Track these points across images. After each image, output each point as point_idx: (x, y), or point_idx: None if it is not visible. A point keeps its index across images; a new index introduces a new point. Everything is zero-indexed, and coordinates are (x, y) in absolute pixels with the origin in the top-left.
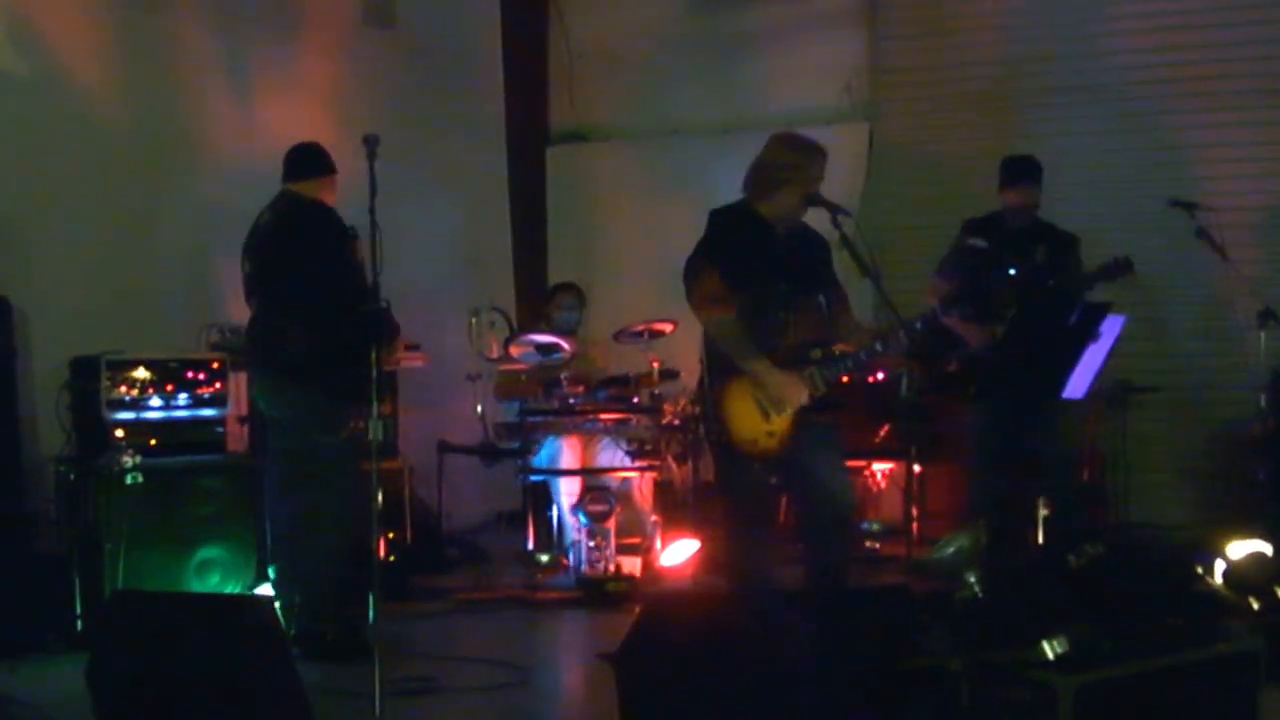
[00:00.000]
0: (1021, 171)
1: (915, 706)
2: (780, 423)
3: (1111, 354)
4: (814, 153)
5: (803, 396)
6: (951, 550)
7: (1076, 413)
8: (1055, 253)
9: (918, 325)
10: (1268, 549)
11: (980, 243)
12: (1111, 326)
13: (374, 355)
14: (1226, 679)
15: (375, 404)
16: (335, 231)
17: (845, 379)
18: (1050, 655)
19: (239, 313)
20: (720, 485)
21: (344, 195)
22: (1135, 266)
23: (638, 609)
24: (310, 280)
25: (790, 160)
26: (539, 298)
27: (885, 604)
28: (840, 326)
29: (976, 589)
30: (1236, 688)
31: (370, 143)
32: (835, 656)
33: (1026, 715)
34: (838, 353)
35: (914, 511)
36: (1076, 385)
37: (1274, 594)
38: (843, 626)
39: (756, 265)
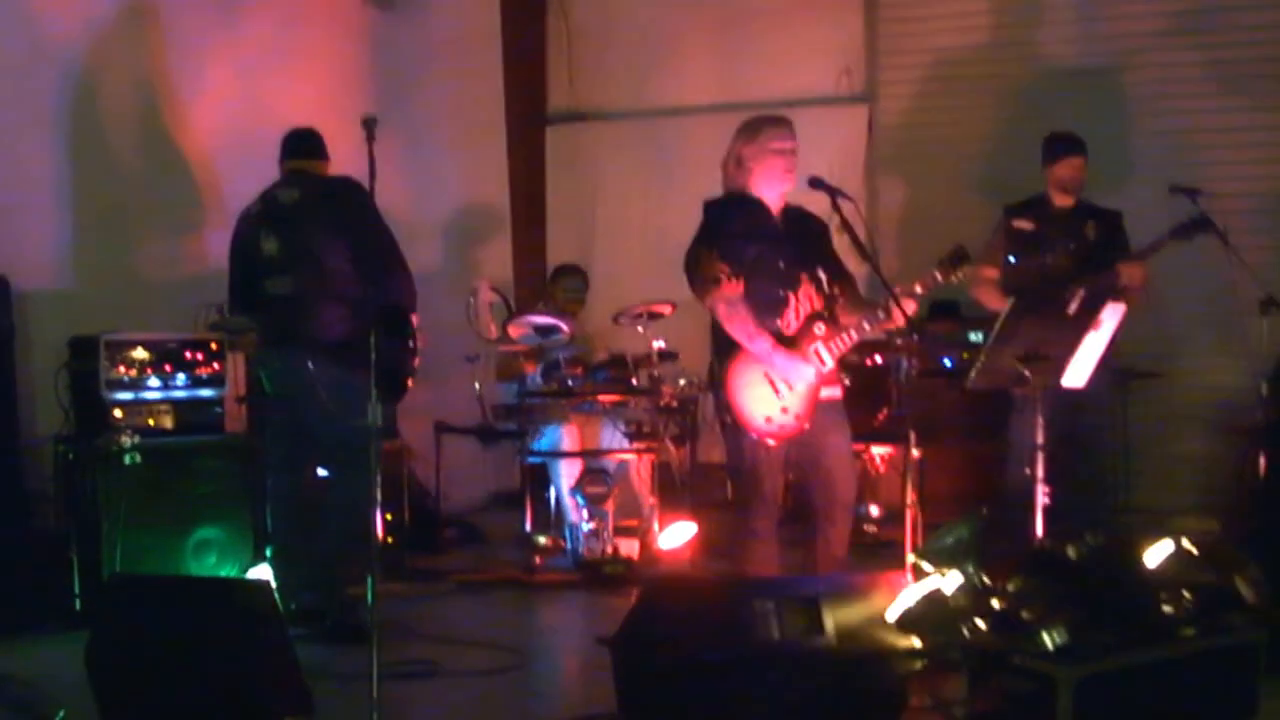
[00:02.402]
0: (1068, 145)
1: (915, 695)
2: (792, 399)
3: (1112, 340)
4: (763, 122)
5: (811, 372)
6: (950, 540)
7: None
8: (1104, 230)
9: (917, 290)
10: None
11: (1027, 224)
12: (1111, 315)
13: (375, 341)
14: (1226, 670)
15: (374, 389)
16: (373, 203)
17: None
18: (1050, 646)
19: None
20: (731, 465)
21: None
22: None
23: (636, 593)
24: (357, 256)
25: (742, 138)
26: (538, 278)
27: (880, 590)
28: (845, 301)
29: (975, 579)
30: (1236, 679)
31: (369, 125)
32: (834, 644)
33: (1025, 706)
34: (841, 325)
35: (913, 496)
36: (1076, 374)
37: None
38: (839, 612)
39: (754, 246)
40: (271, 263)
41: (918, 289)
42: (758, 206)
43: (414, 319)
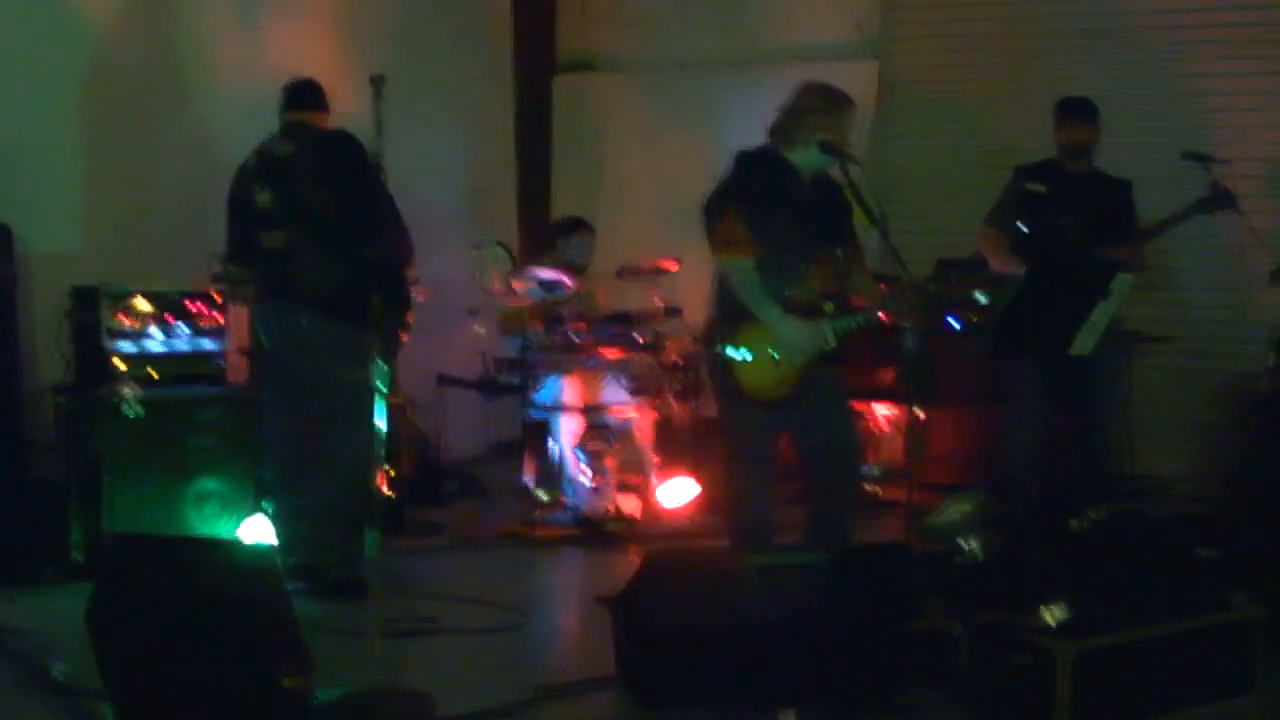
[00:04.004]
0: (1077, 109)
1: (914, 668)
2: (789, 371)
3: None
4: (847, 104)
5: (813, 348)
6: (954, 514)
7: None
8: (1115, 198)
9: (929, 288)
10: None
11: (1040, 187)
12: (1121, 285)
13: (377, 305)
14: (1226, 647)
15: (376, 352)
16: (368, 158)
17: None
18: (1050, 621)
19: None
20: (722, 428)
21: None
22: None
23: (638, 558)
24: (350, 211)
25: (823, 109)
26: (542, 230)
27: (886, 562)
28: (853, 279)
29: (977, 553)
30: (1236, 656)
31: (377, 83)
32: (835, 614)
33: (1025, 679)
34: (850, 307)
35: (916, 457)
36: (1083, 342)
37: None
38: (844, 584)
39: (780, 213)
40: (265, 216)
41: (930, 289)
42: (791, 172)
43: (411, 273)
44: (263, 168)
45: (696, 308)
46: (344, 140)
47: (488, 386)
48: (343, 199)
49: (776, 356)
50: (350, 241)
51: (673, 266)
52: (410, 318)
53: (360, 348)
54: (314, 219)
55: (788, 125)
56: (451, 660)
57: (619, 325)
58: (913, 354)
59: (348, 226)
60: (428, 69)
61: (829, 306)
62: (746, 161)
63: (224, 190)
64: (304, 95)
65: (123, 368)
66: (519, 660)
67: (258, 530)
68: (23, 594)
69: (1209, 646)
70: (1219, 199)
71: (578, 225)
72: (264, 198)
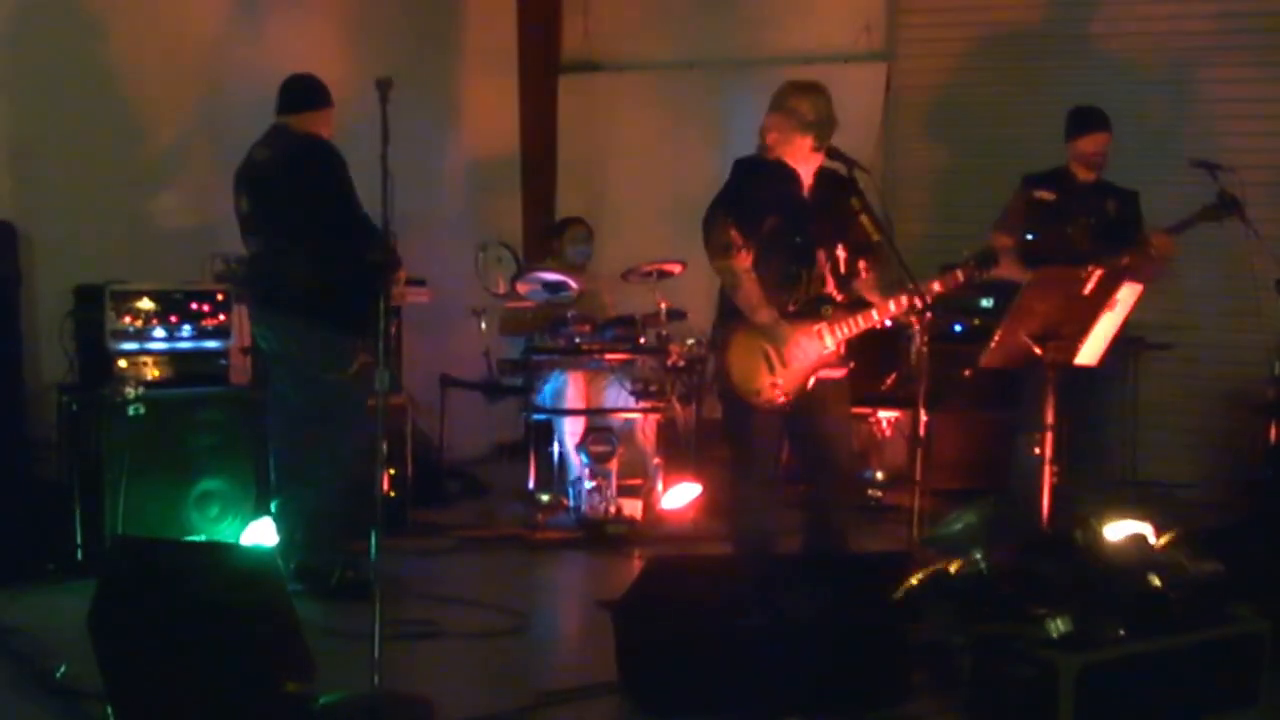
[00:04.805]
0: (1095, 121)
1: (916, 678)
2: (786, 376)
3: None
4: (804, 90)
5: (811, 352)
6: (959, 526)
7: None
8: (1123, 207)
9: (935, 288)
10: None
11: (1048, 195)
12: (1128, 295)
13: (381, 305)
14: (1230, 661)
15: (381, 354)
16: (336, 165)
17: (854, 336)
18: (1054, 634)
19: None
20: (725, 432)
21: (354, 137)
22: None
23: (640, 562)
24: (314, 217)
25: (782, 105)
26: (547, 231)
27: (889, 571)
28: (867, 278)
29: (982, 565)
30: (1240, 670)
31: (383, 87)
32: (837, 622)
33: (1027, 692)
34: (851, 309)
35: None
36: (1090, 352)
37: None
38: (846, 592)
39: (774, 217)
40: (246, 221)
41: (936, 288)
42: (787, 175)
43: (400, 275)
44: (245, 173)
45: (700, 310)
46: (314, 149)
47: (490, 388)
48: (311, 208)
49: (772, 361)
50: (321, 249)
51: (677, 269)
52: (404, 277)
53: (341, 350)
54: (285, 226)
55: (763, 137)
56: (452, 664)
57: (622, 328)
58: (916, 359)
59: (318, 234)
60: (432, 69)
61: (828, 310)
62: (741, 168)
63: (227, 190)
64: (289, 96)
65: (125, 367)
66: (520, 665)
67: (263, 534)
68: (24, 593)
69: (1213, 660)
70: (1226, 206)
71: (573, 224)
72: (244, 203)
